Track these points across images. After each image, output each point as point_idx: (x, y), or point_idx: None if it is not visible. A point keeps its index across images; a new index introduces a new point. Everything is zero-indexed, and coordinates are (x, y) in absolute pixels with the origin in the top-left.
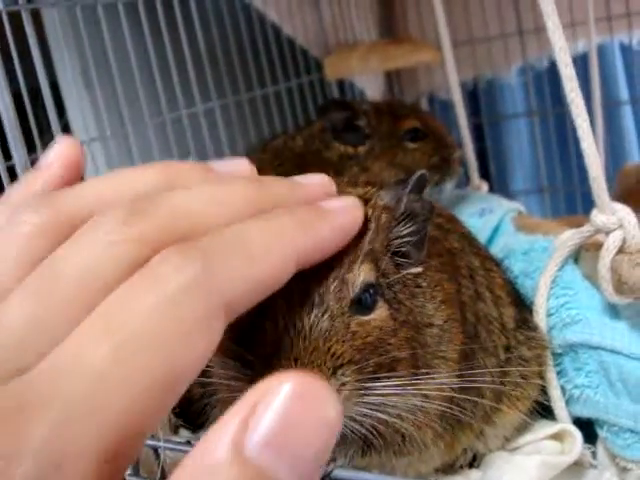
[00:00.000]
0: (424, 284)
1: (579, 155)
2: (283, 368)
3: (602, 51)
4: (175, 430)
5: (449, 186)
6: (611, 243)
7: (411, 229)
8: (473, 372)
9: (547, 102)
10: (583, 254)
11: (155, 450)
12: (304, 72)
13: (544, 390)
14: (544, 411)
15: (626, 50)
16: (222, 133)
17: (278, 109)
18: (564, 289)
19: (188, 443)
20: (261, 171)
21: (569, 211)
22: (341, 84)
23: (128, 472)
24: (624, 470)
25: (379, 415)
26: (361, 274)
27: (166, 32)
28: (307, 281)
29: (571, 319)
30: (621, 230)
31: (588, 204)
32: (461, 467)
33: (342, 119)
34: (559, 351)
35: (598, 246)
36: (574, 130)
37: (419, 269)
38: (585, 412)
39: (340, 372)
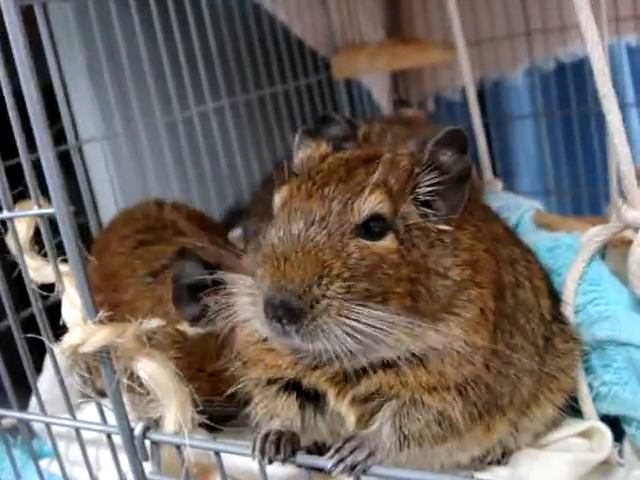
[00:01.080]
0: (447, 240)
1: (586, 157)
2: (275, 270)
3: (609, 53)
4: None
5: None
6: None
7: (439, 180)
8: (508, 352)
9: (554, 103)
10: (610, 250)
11: (178, 447)
12: (312, 72)
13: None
14: (572, 409)
15: (633, 52)
16: (232, 132)
17: (287, 108)
18: (592, 285)
19: (212, 440)
20: None
21: (576, 213)
22: (348, 84)
23: (149, 470)
24: None
25: (359, 338)
26: (368, 203)
27: (177, 31)
28: (315, 201)
29: (599, 315)
30: None
31: (595, 206)
32: (489, 464)
33: (340, 136)
34: (586, 348)
35: (625, 242)
36: (581, 131)
37: (447, 227)
38: (613, 409)
39: (325, 281)
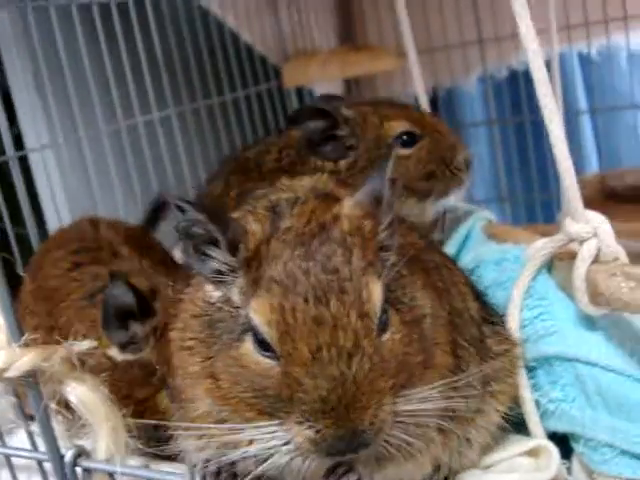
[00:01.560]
0: (404, 272)
1: (539, 164)
2: (333, 419)
3: (561, 60)
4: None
5: (453, 197)
6: (585, 252)
7: (389, 220)
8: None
9: (507, 111)
10: (557, 263)
11: (111, 475)
12: (263, 80)
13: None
14: (517, 426)
15: (584, 60)
16: (179, 141)
17: (236, 117)
18: (538, 300)
19: (145, 467)
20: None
21: (529, 220)
22: (300, 92)
23: None
24: None
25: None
26: (376, 299)
27: (121, 37)
28: (330, 329)
29: (546, 331)
30: (596, 239)
31: (548, 213)
32: None
33: (320, 129)
34: (533, 364)
35: (572, 255)
36: (534, 139)
37: (395, 258)
38: (560, 427)
39: (384, 403)
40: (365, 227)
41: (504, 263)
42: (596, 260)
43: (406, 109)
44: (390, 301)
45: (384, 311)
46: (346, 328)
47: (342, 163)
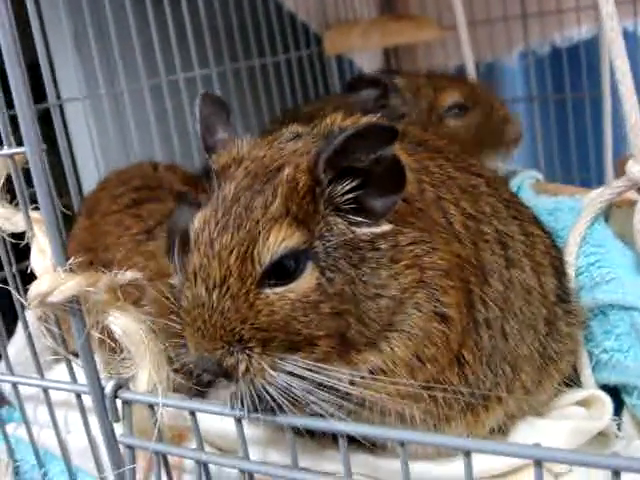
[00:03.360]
0: (384, 245)
1: (579, 143)
2: (192, 337)
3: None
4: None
5: (499, 163)
6: None
7: (358, 183)
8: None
9: (548, 88)
10: (615, 211)
11: (151, 407)
12: (304, 46)
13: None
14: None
15: (630, 37)
16: None
17: (277, 80)
18: (595, 247)
19: (187, 399)
20: None
21: None
22: (340, 60)
23: (120, 432)
24: None
25: (291, 390)
26: (270, 246)
27: None
28: (215, 258)
29: (602, 278)
30: None
31: None
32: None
33: (373, 97)
34: (587, 313)
35: (631, 202)
36: (575, 117)
37: (383, 228)
38: (614, 378)
39: (238, 348)
40: (300, 181)
41: (558, 213)
42: None
43: (459, 81)
44: (318, 262)
45: (288, 267)
46: (223, 261)
47: None
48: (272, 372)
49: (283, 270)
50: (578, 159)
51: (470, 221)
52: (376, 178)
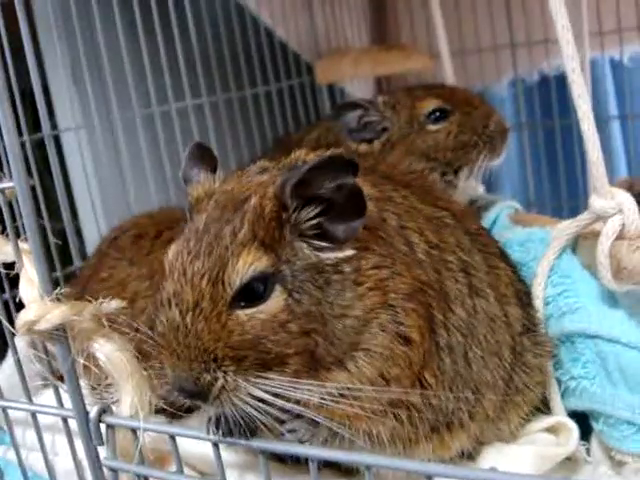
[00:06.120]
0: (348, 269)
1: (568, 170)
2: (168, 359)
3: (593, 66)
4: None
5: (497, 160)
6: (610, 228)
7: (320, 210)
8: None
9: (537, 116)
10: (581, 243)
11: (134, 431)
12: (295, 75)
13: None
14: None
15: (616, 66)
16: (211, 130)
17: (268, 109)
18: (562, 277)
19: (168, 423)
20: None
21: None
22: (331, 88)
23: (104, 455)
24: (620, 464)
25: (262, 407)
26: (238, 270)
27: (159, 27)
28: (188, 284)
29: (569, 307)
30: (620, 215)
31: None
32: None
33: (354, 118)
34: (555, 342)
35: (596, 235)
36: (563, 144)
37: (346, 253)
38: (581, 404)
39: (213, 366)
40: (266, 207)
41: (529, 244)
42: (620, 236)
43: (436, 87)
44: (285, 285)
45: (257, 290)
46: (195, 286)
47: (376, 143)
48: (247, 388)
49: (252, 292)
50: (567, 185)
51: (434, 250)
52: (338, 205)
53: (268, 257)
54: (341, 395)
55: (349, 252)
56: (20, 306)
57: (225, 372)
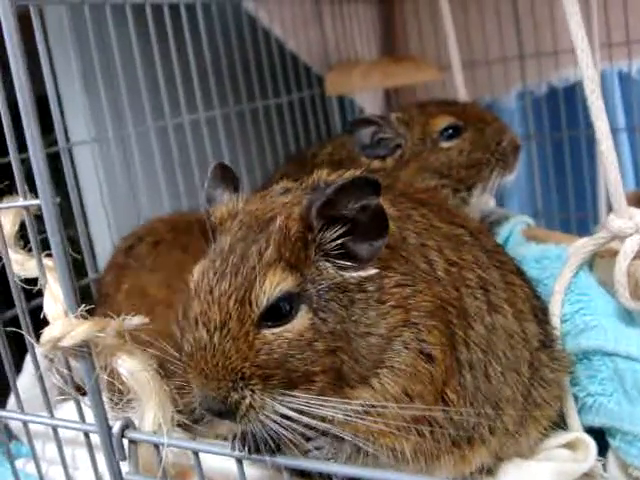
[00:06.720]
0: (372, 288)
1: (575, 181)
2: (196, 379)
3: (601, 79)
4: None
5: (509, 177)
6: (628, 248)
7: (344, 230)
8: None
9: (545, 127)
10: (598, 261)
11: (156, 447)
12: (306, 86)
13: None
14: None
15: (625, 78)
16: (223, 141)
17: (279, 121)
18: (579, 295)
19: (191, 440)
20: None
21: None
22: (341, 100)
23: (126, 470)
24: None
25: (290, 424)
26: (265, 290)
27: (173, 41)
28: (215, 304)
29: (586, 325)
30: (638, 234)
31: (584, 231)
32: (471, 473)
33: (368, 134)
34: (572, 359)
35: (613, 253)
36: (571, 156)
37: (369, 272)
38: (598, 421)
39: (241, 385)
40: (292, 228)
41: (544, 261)
42: (638, 255)
43: (449, 104)
44: (311, 304)
45: (283, 309)
46: (223, 306)
47: (389, 160)
48: (273, 406)
49: (279, 312)
50: (575, 197)
51: (453, 267)
52: (361, 226)
53: (294, 277)
54: (365, 412)
55: (372, 271)
56: (35, 317)
57: (252, 391)
